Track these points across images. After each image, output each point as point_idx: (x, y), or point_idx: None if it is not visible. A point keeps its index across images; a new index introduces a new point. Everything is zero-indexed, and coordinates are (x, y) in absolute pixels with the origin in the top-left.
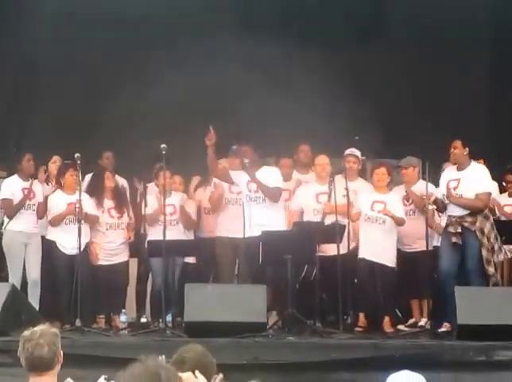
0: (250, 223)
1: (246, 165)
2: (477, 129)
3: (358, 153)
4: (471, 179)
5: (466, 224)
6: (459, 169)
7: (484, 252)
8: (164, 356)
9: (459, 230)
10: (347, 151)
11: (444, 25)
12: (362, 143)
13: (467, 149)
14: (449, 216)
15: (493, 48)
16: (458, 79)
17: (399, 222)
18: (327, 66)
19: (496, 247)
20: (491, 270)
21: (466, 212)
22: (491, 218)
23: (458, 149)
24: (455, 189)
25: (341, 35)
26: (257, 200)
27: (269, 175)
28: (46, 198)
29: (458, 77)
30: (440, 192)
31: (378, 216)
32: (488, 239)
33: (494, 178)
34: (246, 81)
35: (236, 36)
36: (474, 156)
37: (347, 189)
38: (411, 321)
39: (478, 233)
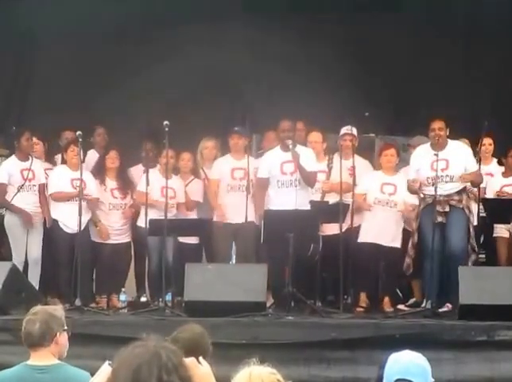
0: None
1: (289, 147)
2: (487, 106)
3: (354, 130)
4: (459, 159)
5: (453, 203)
6: (439, 148)
7: (472, 229)
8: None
9: (447, 209)
10: (343, 130)
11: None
12: (373, 119)
13: (448, 129)
14: (431, 195)
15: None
16: (470, 55)
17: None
18: (336, 41)
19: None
20: (475, 245)
21: (453, 190)
22: (472, 196)
23: (444, 130)
24: (443, 170)
25: (350, 8)
26: (293, 184)
27: (305, 158)
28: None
29: (470, 52)
30: (421, 175)
31: (390, 199)
32: (473, 216)
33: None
34: (252, 57)
35: (240, 14)
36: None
37: (353, 167)
38: (411, 300)
39: (466, 210)
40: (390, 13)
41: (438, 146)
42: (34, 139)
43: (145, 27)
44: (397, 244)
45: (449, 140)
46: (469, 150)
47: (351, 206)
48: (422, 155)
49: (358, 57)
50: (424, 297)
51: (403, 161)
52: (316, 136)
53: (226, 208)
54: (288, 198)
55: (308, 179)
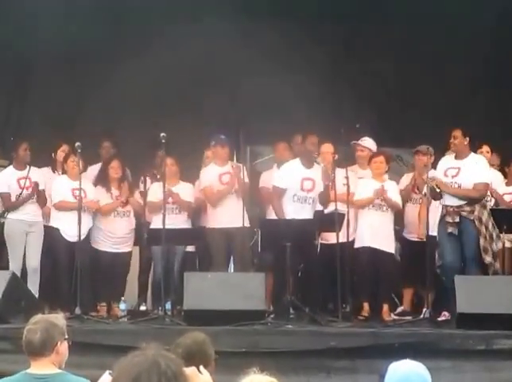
0: None
1: (321, 166)
2: (479, 114)
3: (367, 142)
4: (471, 169)
5: (464, 214)
6: (458, 158)
7: (482, 241)
8: None
9: (457, 220)
10: (359, 140)
11: (443, 9)
12: (364, 131)
13: (467, 138)
14: (445, 205)
15: (493, 31)
16: (459, 66)
17: (394, 206)
18: (327, 51)
19: (494, 235)
20: (488, 259)
21: (463, 201)
22: (488, 207)
23: (458, 138)
24: (453, 177)
25: (340, 21)
26: (307, 200)
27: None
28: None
29: (459, 64)
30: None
31: (382, 204)
32: (486, 227)
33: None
34: (245, 67)
35: (235, 18)
36: (474, 142)
37: (347, 177)
38: (399, 309)
39: (476, 222)
40: (380, 29)
41: (457, 154)
42: (66, 147)
43: (142, 32)
44: (392, 250)
45: (472, 153)
46: (483, 163)
47: (346, 215)
48: (442, 162)
49: (349, 68)
50: (413, 305)
51: (394, 173)
52: (328, 147)
53: (219, 213)
54: (300, 214)
55: (326, 198)
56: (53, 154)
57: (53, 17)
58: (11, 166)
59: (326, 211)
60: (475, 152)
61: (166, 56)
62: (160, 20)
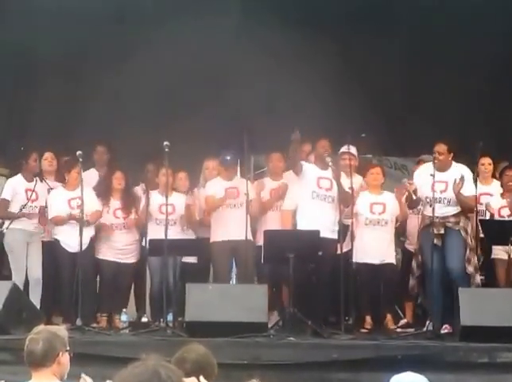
0: (308, 221)
1: (329, 164)
2: (481, 126)
3: (353, 150)
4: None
5: (449, 224)
6: (441, 170)
7: (467, 252)
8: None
9: (442, 231)
10: (342, 149)
11: (447, 16)
12: (369, 141)
13: (451, 154)
14: (429, 216)
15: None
16: (463, 76)
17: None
18: (331, 60)
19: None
20: (470, 269)
21: (449, 212)
22: (471, 219)
23: (444, 155)
24: (442, 192)
25: (344, 29)
26: (326, 199)
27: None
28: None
29: (462, 74)
30: (422, 194)
31: (380, 219)
32: (471, 239)
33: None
34: (247, 71)
35: (237, 23)
36: (477, 155)
37: (351, 188)
38: (402, 322)
39: (462, 232)
40: (386, 37)
41: (438, 168)
42: (49, 155)
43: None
44: (391, 260)
45: (454, 163)
46: (470, 174)
47: (350, 227)
48: (424, 173)
49: (353, 77)
50: (414, 318)
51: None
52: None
53: (224, 225)
54: (320, 211)
55: (346, 198)
56: (24, 162)
57: (52, 27)
58: (20, 175)
59: None
60: (477, 164)
61: (167, 62)
62: (160, 26)
